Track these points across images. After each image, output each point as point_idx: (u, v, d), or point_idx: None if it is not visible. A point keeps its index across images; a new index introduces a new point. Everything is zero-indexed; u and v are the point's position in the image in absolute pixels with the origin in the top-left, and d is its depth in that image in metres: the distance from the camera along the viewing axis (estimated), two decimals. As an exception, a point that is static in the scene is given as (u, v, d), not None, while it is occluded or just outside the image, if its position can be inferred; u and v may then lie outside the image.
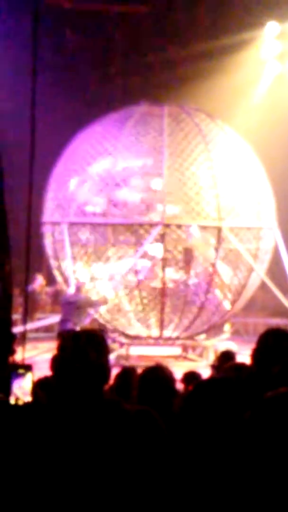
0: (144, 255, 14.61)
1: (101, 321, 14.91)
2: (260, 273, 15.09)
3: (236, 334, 17.00)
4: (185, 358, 15.23)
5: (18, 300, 15.19)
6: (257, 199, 14.81)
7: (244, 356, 6.20)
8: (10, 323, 5.05)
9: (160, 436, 2.90)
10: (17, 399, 3.64)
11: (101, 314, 14.70)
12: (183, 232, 14.62)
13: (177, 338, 15.16)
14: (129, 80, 21.08)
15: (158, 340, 15.03)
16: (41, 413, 2.90)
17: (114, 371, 5.71)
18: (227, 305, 15.02)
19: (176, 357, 15.05)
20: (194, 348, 15.65)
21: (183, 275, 14.85)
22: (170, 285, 14.82)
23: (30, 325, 15.54)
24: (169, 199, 14.44)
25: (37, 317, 18.18)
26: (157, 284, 14.83)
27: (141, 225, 14.55)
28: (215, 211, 14.31)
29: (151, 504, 2.67)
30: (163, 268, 14.64)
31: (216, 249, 14.50)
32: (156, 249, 14.60)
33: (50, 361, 6.58)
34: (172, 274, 14.89)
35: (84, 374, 2.82)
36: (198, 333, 15.42)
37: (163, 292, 14.67)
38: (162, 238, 14.38)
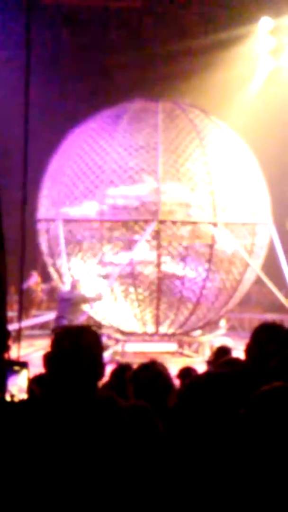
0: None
1: (97, 317, 14.91)
2: (255, 269, 15.10)
3: (231, 329, 17.03)
4: (181, 354, 15.23)
5: (13, 297, 15.21)
6: (252, 194, 14.81)
7: (240, 351, 6.21)
8: (5, 320, 5.04)
9: (154, 431, 2.90)
10: (12, 396, 3.63)
11: (97, 311, 14.70)
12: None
13: (173, 334, 15.17)
14: (123, 76, 21.05)
15: (154, 337, 15.03)
16: (36, 410, 2.89)
17: (110, 368, 5.71)
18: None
19: (172, 353, 15.05)
20: (190, 344, 15.65)
21: (180, 271, 14.83)
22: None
23: (25, 322, 15.54)
24: (163, 196, 14.43)
25: (33, 314, 18.18)
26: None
27: (136, 221, 14.54)
28: (210, 207, 14.31)
29: (145, 500, 2.67)
30: (158, 264, 14.64)
31: (211, 246, 14.50)
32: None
33: (43, 358, 6.58)
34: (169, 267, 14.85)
35: (78, 370, 2.82)
36: (194, 329, 15.43)
37: (158, 289, 14.68)
38: (157, 234, 14.37)
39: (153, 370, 4.12)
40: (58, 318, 13.41)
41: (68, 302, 13.35)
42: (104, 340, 13.69)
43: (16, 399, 3.62)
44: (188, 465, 2.63)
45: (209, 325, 15.67)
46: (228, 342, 11.68)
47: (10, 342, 4.93)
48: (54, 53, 20.23)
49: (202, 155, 14.51)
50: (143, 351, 14.21)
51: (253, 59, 20.78)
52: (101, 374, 2.92)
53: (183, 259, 14.71)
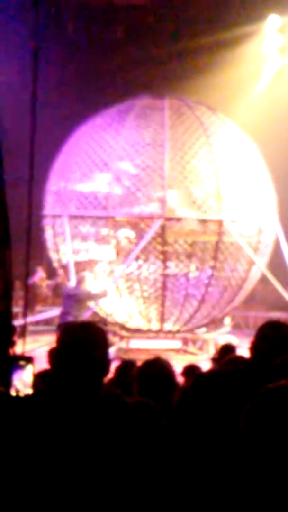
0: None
1: (102, 314, 14.91)
2: (260, 267, 15.08)
3: (236, 327, 17.01)
4: (185, 351, 15.22)
5: (18, 293, 15.23)
6: (258, 192, 14.79)
7: (244, 349, 6.21)
8: (10, 316, 5.06)
9: (159, 428, 2.90)
10: (17, 391, 3.64)
11: (102, 307, 14.70)
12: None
13: (178, 331, 15.17)
14: (130, 74, 21.03)
15: (159, 334, 15.03)
16: (41, 406, 2.90)
17: (114, 364, 5.72)
18: None
19: (177, 351, 15.04)
20: (194, 342, 15.65)
21: (184, 268, 14.81)
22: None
23: (30, 318, 15.54)
24: (170, 192, 14.42)
25: (38, 310, 18.19)
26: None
27: (142, 218, 14.53)
28: (216, 204, 14.30)
29: (149, 498, 2.67)
30: (164, 261, 14.63)
31: (217, 243, 14.49)
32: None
33: (48, 354, 6.59)
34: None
35: (83, 367, 2.82)
36: (199, 327, 15.42)
37: (163, 286, 14.67)
38: (162, 231, 14.36)
39: (157, 367, 4.12)
40: (63, 314, 13.41)
41: (73, 299, 13.35)
42: (109, 336, 13.67)
43: (21, 394, 3.62)
44: (192, 462, 2.63)
45: (214, 323, 15.66)
46: (232, 340, 11.66)
47: (15, 338, 4.94)
48: (59, 49, 20.20)
49: (209, 152, 14.48)
50: (148, 348, 14.21)
51: (260, 57, 20.76)
52: (106, 370, 2.92)
53: (188, 256, 14.71)
